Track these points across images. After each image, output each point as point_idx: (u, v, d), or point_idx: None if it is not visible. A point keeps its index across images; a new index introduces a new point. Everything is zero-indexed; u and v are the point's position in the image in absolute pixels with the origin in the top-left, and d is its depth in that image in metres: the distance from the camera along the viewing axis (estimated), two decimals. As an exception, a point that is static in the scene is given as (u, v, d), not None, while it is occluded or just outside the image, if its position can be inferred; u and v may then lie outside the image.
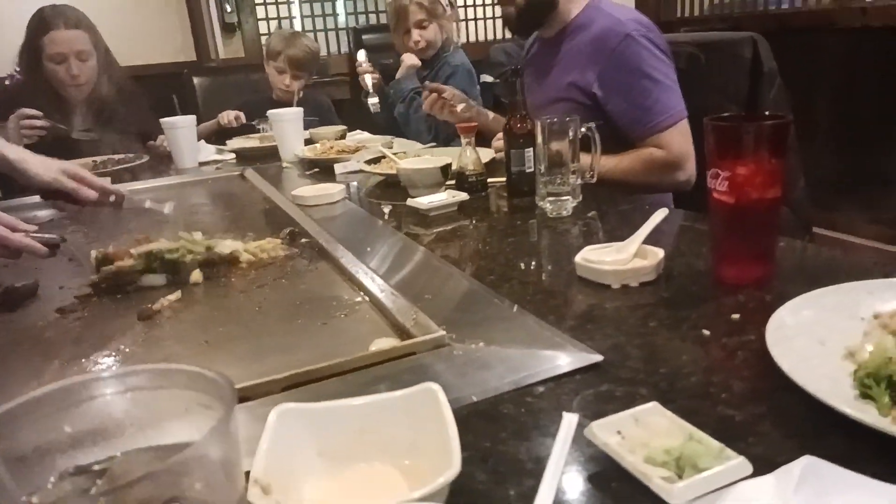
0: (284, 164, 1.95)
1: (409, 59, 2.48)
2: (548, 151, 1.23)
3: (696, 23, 3.94)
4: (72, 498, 0.32)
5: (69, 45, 2.03)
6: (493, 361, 0.69)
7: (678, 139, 1.53)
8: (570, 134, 1.22)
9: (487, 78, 1.78)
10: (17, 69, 3.42)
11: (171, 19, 3.87)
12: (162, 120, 2.01)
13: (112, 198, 1.20)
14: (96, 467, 0.35)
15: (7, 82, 2.41)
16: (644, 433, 0.53)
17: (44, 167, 1.21)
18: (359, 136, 2.33)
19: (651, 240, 0.93)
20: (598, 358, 0.68)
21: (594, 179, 1.29)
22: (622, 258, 0.90)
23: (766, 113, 0.84)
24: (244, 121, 2.42)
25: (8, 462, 0.32)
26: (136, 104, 2.25)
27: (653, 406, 0.56)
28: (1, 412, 0.33)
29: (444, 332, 0.73)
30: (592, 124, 1.27)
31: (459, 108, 1.79)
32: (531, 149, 1.32)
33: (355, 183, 1.66)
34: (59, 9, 2.07)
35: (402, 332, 0.79)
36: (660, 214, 0.96)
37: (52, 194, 1.26)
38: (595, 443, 0.53)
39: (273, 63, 2.59)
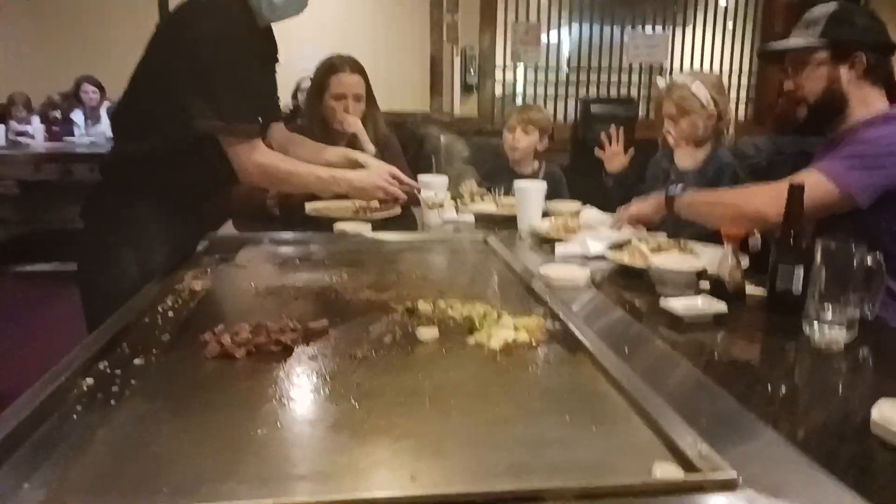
0: (521, 235, 2.04)
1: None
2: (824, 275, 1.17)
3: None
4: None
5: (350, 87, 2.34)
6: (793, 521, 0.67)
7: None
8: (855, 262, 1.16)
9: None
10: (291, 106, 3.95)
11: (413, 75, 4.27)
12: (420, 176, 2.20)
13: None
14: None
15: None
16: None
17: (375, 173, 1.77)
18: (587, 211, 2.35)
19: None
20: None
21: (872, 317, 1.20)
22: (925, 422, 0.83)
23: None
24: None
25: None
26: (391, 150, 2.46)
27: None
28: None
29: (735, 474, 0.73)
30: (879, 254, 1.19)
31: None
32: (801, 266, 1.26)
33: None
34: (344, 57, 2.40)
35: (682, 459, 0.79)
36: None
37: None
38: None
39: (508, 129, 2.73)
